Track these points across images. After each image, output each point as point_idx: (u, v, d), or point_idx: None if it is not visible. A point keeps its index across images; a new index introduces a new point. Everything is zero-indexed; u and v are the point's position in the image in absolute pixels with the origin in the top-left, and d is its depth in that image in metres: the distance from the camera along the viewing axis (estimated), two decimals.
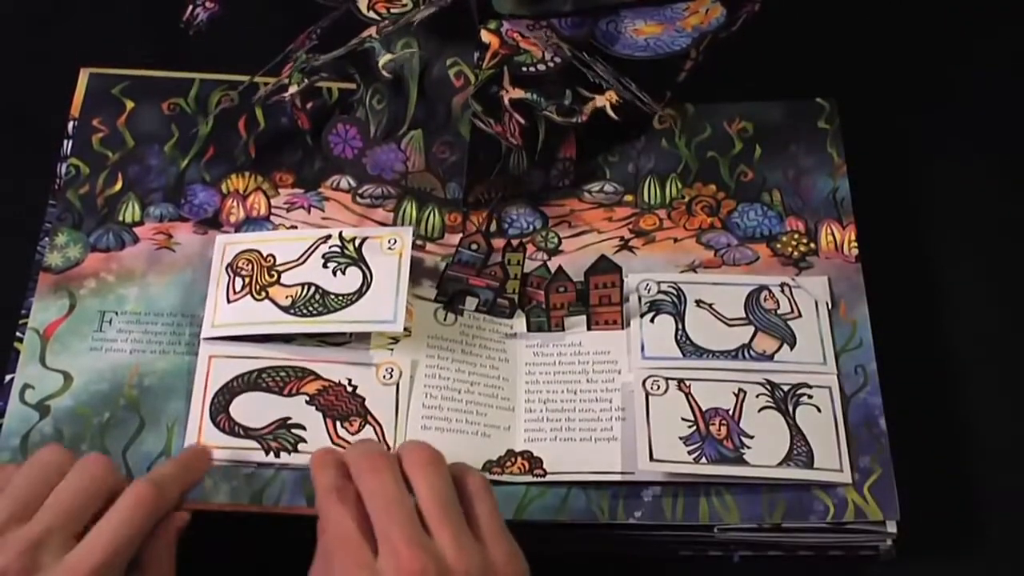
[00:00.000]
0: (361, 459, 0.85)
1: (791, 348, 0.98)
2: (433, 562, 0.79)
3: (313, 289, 0.98)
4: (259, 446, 0.93)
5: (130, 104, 1.09)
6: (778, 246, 1.03)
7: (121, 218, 1.03)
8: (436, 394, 0.96)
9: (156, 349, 0.98)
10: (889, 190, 1.08)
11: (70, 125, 1.08)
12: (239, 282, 0.99)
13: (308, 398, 0.95)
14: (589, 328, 0.99)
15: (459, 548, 0.80)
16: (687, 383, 0.96)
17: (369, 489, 0.83)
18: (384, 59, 1.00)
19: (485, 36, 0.99)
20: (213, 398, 0.95)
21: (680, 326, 0.99)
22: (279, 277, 0.98)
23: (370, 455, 0.85)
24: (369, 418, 0.94)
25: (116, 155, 1.07)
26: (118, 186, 1.05)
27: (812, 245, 1.03)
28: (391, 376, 0.96)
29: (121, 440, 0.94)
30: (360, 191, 1.05)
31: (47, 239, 1.02)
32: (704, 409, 0.95)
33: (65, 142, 1.07)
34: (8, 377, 0.96)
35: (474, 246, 0.99)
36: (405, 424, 0.94)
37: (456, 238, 1.02)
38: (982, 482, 0.97)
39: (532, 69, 0.99)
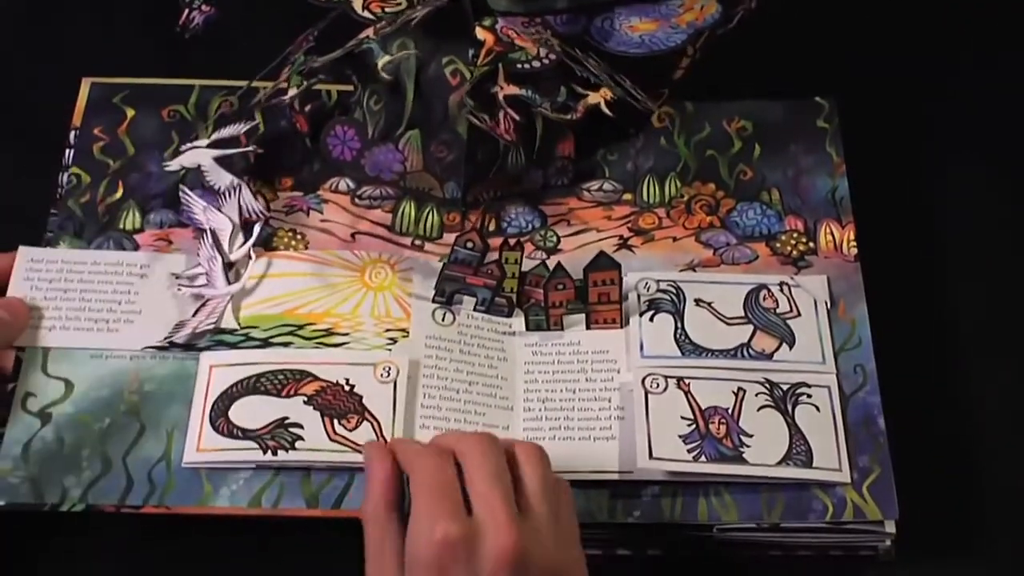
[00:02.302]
0: (472, 439, 0.85)
1: (790, 347, 0.97)
2: (529, 543, 0.80)
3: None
4: (256, 446, 0.93)
5: (131, 112, 1.09)
6: (777, 245, 1.03)
7: (122, 225, 1.04)
8: (435, 394, 0.96)
9: (156, 355, 0.98)
10: (888, 189, 1.08)
11: (71, 134, 1.08)
12: None
13: (306, 398, 0.95)
14: (588, 327, 0.99)
15: (553, 538, 0.82)
16: (686, 382, 0.95)
17: (477, 461, 0.83)
18: (383, 61, 1.00)
19: (480, 33, 0.99)
20: (213, 405, 0.95)
21: (679, 325, 0.98)
22: None
23: (481, 437, 0.86)
24: (367, 415, 0.94)
25: (117, 163, 1.07)
26: (119, 194, 1.05)
27: (811, 244, 1.02)
28: (388, 375, 0.95)
29: (122, 446, 0.94)
30: (359, 192, 1.05)
31: (49, 247, 1.02)
32: (703, 408, 0.94)
33: (67, 151, 1.07)
34: (10, 386, 0.96)
35: (470, 244, 0.98)
36: (403, 421, 0.94)
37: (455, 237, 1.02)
38: (982, 482, 0.96)
39: (527, 66, 0.99)
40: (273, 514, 0.92)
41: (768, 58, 1.10)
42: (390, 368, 0.96)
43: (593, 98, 0.98)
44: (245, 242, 1.01)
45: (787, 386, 0.95)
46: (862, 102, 1.09)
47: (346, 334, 0.98)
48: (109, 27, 1.18)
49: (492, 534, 0.79)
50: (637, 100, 0.98)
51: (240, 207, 1.02)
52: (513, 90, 0.98)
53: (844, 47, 1.15)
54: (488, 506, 0.81)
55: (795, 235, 1.03)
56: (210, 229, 1.01)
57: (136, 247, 1.03)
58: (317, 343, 0.97)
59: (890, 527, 0.91)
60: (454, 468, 0.83)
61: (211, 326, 0.98)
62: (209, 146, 1.04)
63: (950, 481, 0.96)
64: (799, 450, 0.93)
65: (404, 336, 0.98)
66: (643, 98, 0.98)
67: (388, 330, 0.98)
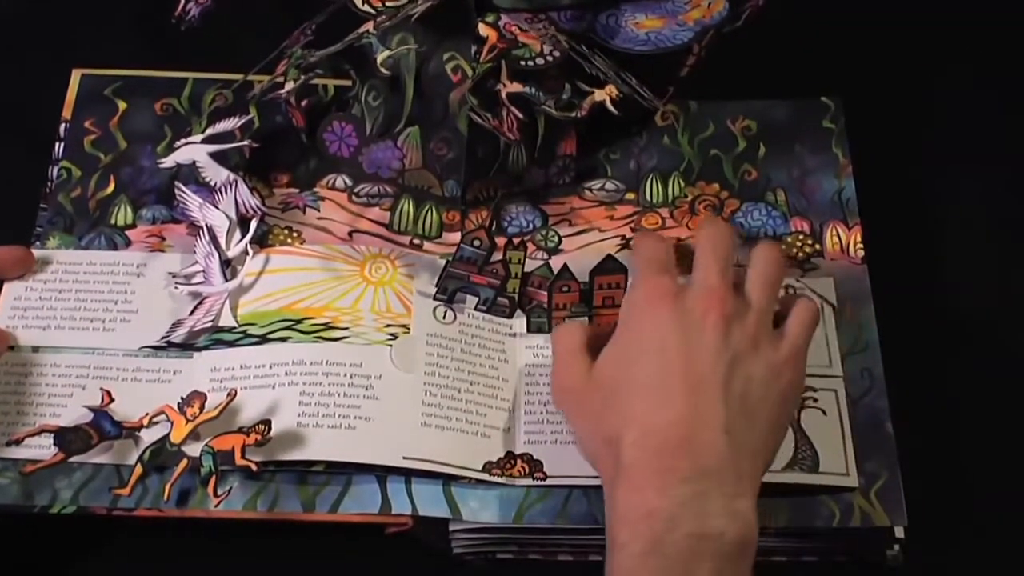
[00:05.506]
0: (711, 227, 0.93)
1: None
2: (736, 309, 0.87)
3: None
4: None
5: (123, 105, 1.08)
6: (783, 247, 1.01)
7: (113, 221, 1.02)
8: (436, 392, 0.94)
9: (152, 355, 0.96)
10: (895, 191, 1.07)
11: (62, 127, 1.07)
12: None
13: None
14: None
15: (765, 320, 0.88)
16: None
17: (706, 233, 0.92)
18: (382, 56, 0.98)
19: (483, 30, 0.97)
20: None
21: None
22: None
23: (720, 225, 0.94)
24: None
25: (108, 157, 1.06)
26: (110, 188, 1.04)
27: (817, 246, 1.02)
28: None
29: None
30: (356, 190, 1.04)
31: (38, 243, 1.01)
32: None
33: (56, 144, 1.06)
34: None
35: (477, 242, 0.97)
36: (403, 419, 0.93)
37: (454, 236, 1.01)
38: (989, 486, 0.96)
39: (531, 63, 0.97)
40: (268, 518, 0.91)
41: (773, 57, 1.09)
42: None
43: (599, 95, 0.96)
44: (242, 238, 0.99)
45: None
46: (868, 102, 1.08)
47: (345, 328, 0.96)
48: (102, 19, 1.16)
49: (703, 291, 0.87)
50: (644, 98, 0.96)
51: (236, 203, 1.00)
52: (516, 88, 0.96)
53: (850, 46, 1.14)
54: (704, 267, 0.89)
55: (801, 237, 1.02)
56: (207, 226, 1.00)
57: (128, 243, 1.01)
58: (316, 337, 0.96)
59: (898, 533, 0.90)
60: (671, 248, 0.93)
61: (209, 324, 0.96)
62: (204, 141, 1.02)
63: (958, 486, 0.95)
64: (805, 455, 0.92)
65: (405, 331, 0.96)
66: (649, 95, 0.97)
67: (388, 325, 0.96)
